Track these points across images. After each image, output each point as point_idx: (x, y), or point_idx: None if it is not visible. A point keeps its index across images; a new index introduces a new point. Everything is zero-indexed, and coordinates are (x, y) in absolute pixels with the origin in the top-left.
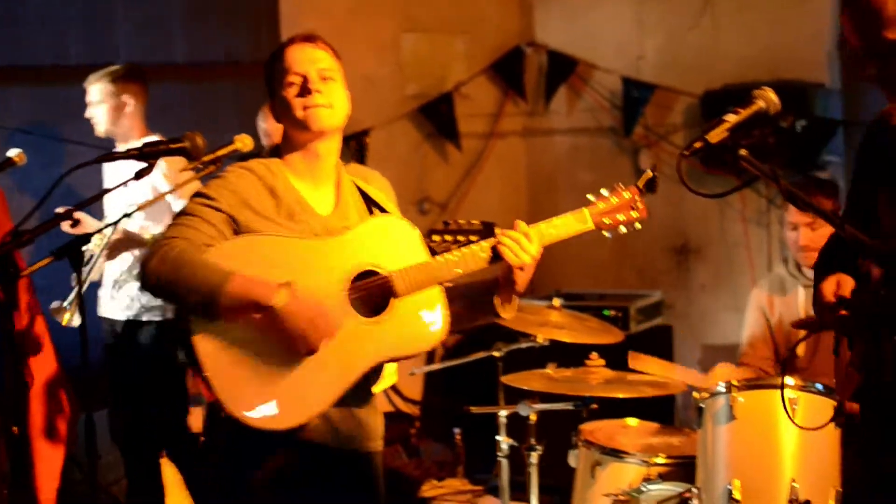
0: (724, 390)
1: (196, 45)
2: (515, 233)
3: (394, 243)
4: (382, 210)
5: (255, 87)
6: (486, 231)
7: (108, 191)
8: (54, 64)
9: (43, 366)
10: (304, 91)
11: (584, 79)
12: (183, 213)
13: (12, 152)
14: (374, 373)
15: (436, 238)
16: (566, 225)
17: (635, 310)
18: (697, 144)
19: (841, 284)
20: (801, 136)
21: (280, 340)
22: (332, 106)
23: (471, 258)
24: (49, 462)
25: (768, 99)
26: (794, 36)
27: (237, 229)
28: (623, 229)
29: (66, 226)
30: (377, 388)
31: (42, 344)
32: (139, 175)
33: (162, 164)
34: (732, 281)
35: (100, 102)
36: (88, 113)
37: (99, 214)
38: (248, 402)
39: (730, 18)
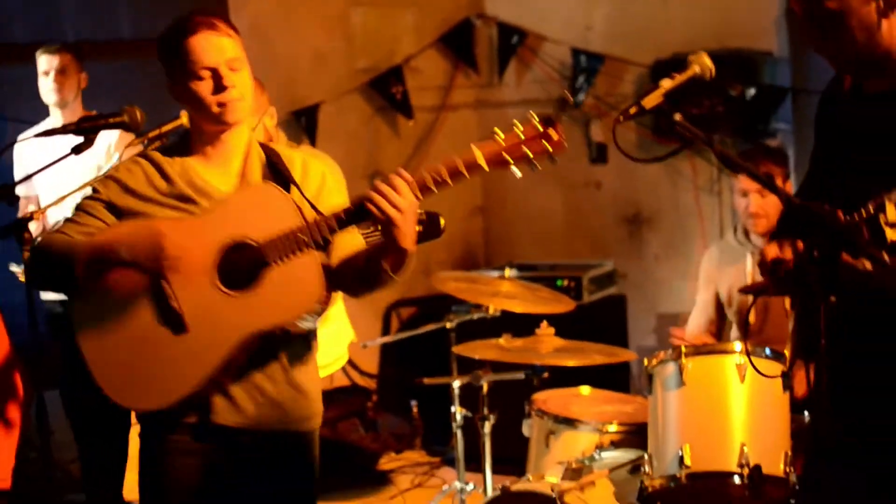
0: (673, 357)
1: (141, 21)
2: (383, 185)
3: (267, 212)
4: (295, 184)
5: None
6: (431, 222)
7: (50, 165)
8: None
9: None
10: (219, 88)
11: (533, 50)
12: (75, 208)
13: None
14: (279, 350)
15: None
16: (452, 166)
17: (588, 280)
18: (632, 110)
19: (782, 247)
20: (750, 105)
21: (140, 296)
22: (243, 98)
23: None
24: (3, 443)
25: (703, 64)
26: (742, 4)
27: (121, 216)
28: (535, 164)
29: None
30: (324, 373)
31: None
32: (77, 150)
33: (109, 141)
34: (685, 249)
35: (65, 71)
36: (54, 79)
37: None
38: (124, 385)
39: None
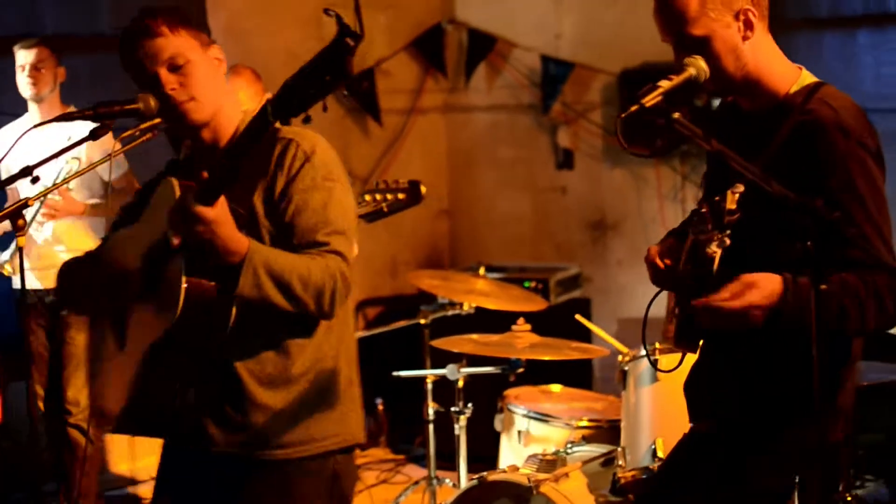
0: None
1: (122, 15)
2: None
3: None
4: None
5: None
6: (412, 189)
7: (64, 151)
8: None
9: None
10: (161, 96)
11: (503, 56)
12: None
13: None
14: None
15: (367, 198)
16: None
17: (555, 282)
18: (633, 108)
19: (664, 249)
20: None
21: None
22: (194, 97)
23: None
24: None
25: (699, 67)
26: None
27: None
28: None
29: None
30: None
31: None
32: (94, 135)
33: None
34: None
35: (41, 66)
36: (29, 73)
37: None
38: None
39: None
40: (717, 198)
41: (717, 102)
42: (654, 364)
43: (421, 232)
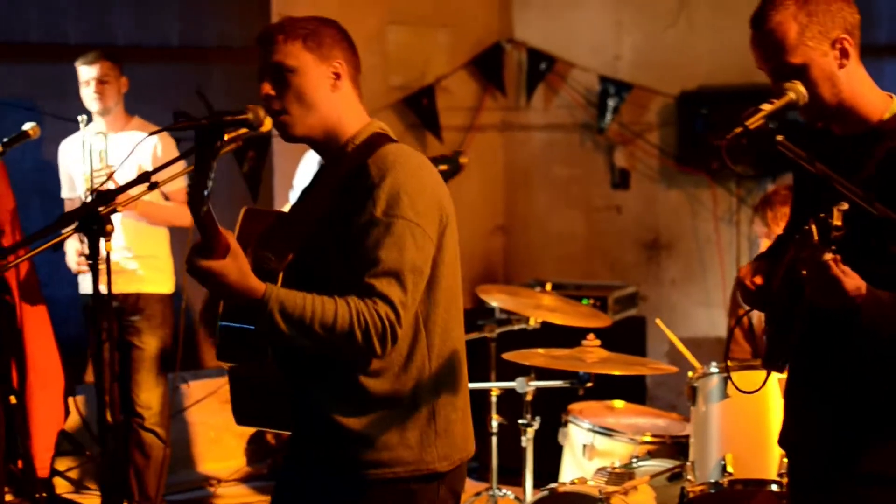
0: (717, 370)
1: (190, 28)
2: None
3: None
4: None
5: (245, 72)
6: (453, 159)
7: (170, 163)
8: (50, 42)
9: (40, 339)
10: (264, 101)
11: (561, 76)
12: None
13: (27, 126)
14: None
15: None
16: None
17: (613, 300)
18: (737, 130)
19: (755, 268)
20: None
21: None
22: (288, 111)
23: None
24: (45, 432)
25: (798, 91)
26: None
27: None
28: None
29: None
30: None
31: (40, 317)
32: (205, 142)
33: (157, 147)
34: (702, 277)
35: (106, 80)
36: (95, 89)
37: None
38: None
39: (705, 21)
40: (822, 214)
41: (772, 126)
42: (735, 385)
43: (476, 248)
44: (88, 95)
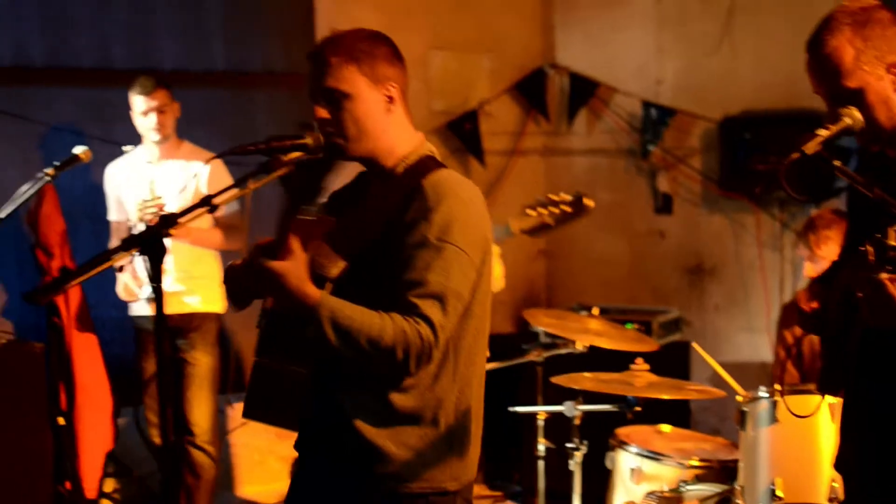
0: (766, 395)
1: (234, 53)
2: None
3: None
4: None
5: (289, 97)
6: (577, 201)
7: (232, 188)
8: (97, 67)
9: (89, 361)
10: (318, 123)
11: (604, 101)
12: None
13: (78, 149)
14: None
15: (529, 212)
16: None
17: (658, 324)
18: (795, 156)
19: (811, 293)
20: (811, 160)
21: None
22: (343, 134)
23: None
24: (93, 454)
25: (854, 117)
26: None
27: None
28: None
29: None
30: None
31: (89, 340)
32: (267, 169)
33: (208, 172)
34: (746, 302)
35: (164, 109)
36: (157, 120)
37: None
38: None
39: (748, 45)
40: (877, 235)
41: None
42: (788, 409)
43: (519, 272)
44: (148, 125)
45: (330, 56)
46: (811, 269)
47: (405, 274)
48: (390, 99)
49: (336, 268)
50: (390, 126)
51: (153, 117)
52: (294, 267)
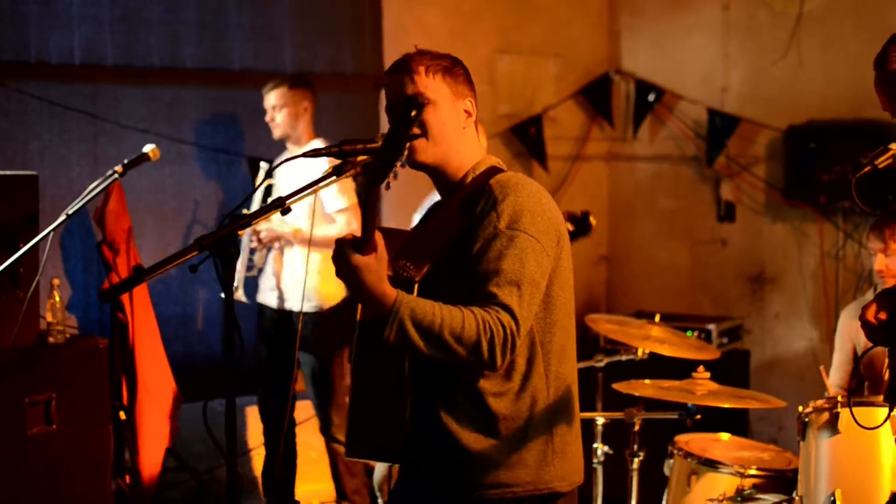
0: (828, 406)
1: (303, 54)
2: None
3: None
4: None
5: (356, 98)
6: (582, 220)
7: (303, 189)
8: (168, 66)
9: (152, 356)
10: None
11: (668, 107)
12: None
13: (147, 148)
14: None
15: None
16: None
17: (718, 332)
18: (867, 168)
19: (878, 304)
20: (882, 173)
21: None
22: (423, 133)
23: None
24: (153, 449)
25: None
26: None
27: None
28: None
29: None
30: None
31: (152, 335)
32: (339, 171)
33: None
34: (806, 311)
35: (281, 107)
36: (269, 116)
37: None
38: None
39: (814, 55)
40: None
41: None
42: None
43: (579, 277)
44: (271, 123)
45: (416, 65)
46: (882, 262)
47: (480, 265)
48: (468, 114)
49: (421, 271)
50: (464, 140)
51: (268, 115)
52: (375, 263)
